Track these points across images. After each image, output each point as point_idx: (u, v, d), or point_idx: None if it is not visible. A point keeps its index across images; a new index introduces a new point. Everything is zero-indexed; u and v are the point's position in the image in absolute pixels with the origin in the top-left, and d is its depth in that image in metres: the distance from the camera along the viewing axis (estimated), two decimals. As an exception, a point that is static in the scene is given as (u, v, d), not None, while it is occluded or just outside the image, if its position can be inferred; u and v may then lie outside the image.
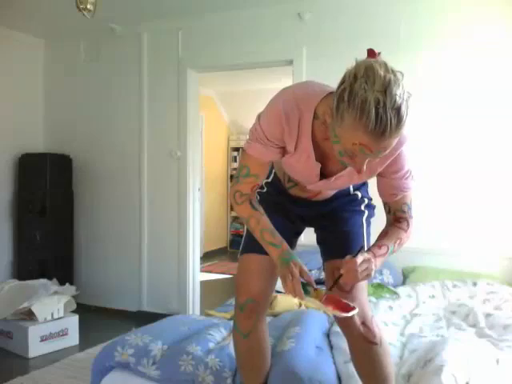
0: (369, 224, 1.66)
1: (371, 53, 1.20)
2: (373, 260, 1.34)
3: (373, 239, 1.57)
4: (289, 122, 1.33)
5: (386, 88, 1.09)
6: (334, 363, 1.94)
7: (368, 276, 1.33)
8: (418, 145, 3.45)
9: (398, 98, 1.10)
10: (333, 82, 1.68)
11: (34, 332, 3.27)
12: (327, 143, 1.33)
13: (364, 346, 1.46)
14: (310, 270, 3.20)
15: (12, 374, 2.89)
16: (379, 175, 1.45)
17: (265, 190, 1.70)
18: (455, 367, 1.73)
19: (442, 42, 3.39)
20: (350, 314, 1.30)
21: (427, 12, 3.42)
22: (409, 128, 1.24)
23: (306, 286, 1.34)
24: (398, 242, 1.45)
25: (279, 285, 2.39)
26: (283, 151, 1.41)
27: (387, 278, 3.22)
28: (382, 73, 1.11)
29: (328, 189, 1.54)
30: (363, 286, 1.51)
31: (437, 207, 3.42)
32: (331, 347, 2.11)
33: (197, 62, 4.13)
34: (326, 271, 1.60)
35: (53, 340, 3.37)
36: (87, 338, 3.53)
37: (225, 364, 1.88)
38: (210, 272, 6.12)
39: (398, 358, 2.00)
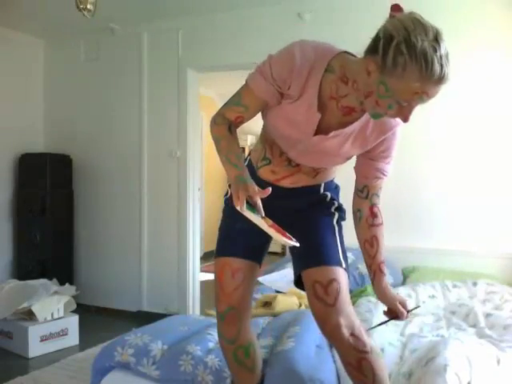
0: (340, 227, 1.61)
1: (397, 7, 1.25)
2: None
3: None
4: (301, 65, 1.34)
5: (437, 37, 1.16)
6: (334, 362, 1.93)
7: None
8: (418, 145, 3.46)
9: (444, 45, 1.17)
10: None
11: (34, 332, 3.27)
12: (332, 102, 1.37)
13: (356, 356, 1.42)
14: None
15: (12, 374, 2.89)
16: (367, 157, 1.49)
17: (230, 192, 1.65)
18: (458, 367, 1.73)
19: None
20: (290, 243, 1.29)
21: (427, 12, 3.41)
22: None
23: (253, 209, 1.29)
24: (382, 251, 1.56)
25: (279, 285, 2.39)
26: (280, 99, 1.40)
27: (387, 277, 3.21)
28: (427, 23, 1.18)
29: (313, 155, 1.49)
30: (347, 298, 1.47)
31: (437, 207, 3.42)
32: (331, 347, 2.10)
33: (197, 62, 4.13)
34: (306, 288, 1.50)
35: (53, 340, 3.37)
36: (87, 337, 3.52)
37: (224, 364, 1.88)
38: (210, 272, 6.12)
39: (398, 358, 2.00)
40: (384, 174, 1.53)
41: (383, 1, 3.53)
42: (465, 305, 2.69)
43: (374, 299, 2.78)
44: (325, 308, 1.42)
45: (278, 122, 1.46)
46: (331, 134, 1.41)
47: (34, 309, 3.28)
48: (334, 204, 1.61)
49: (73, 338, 3.50)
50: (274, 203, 1.36)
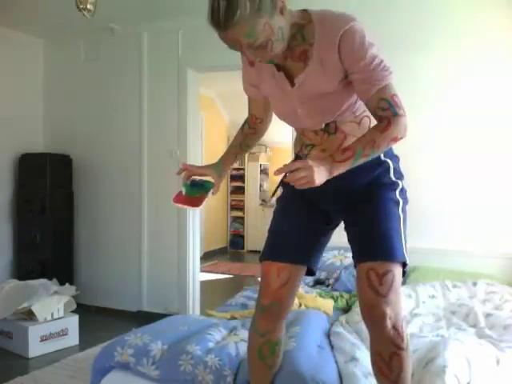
0: (405, 215, 1.55)
1: None
2: (315, 168, 1.29)
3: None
4: (244, 59, 1.57)
5: None
6: (336, 362, 1.93)
7: (309, 184, 1.30)
8: (418, 145, 3.46)
9: None
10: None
11: (34, 332, 3.27)
12: (288, 61, 1.47)
13: (391, 350, 1.42)
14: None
15: (12, 374, 2.89)
16: (350, 73, 1.41)
17: (280, 192, 1.67)
18: (457, 368, 1.73)
19: (441, 41, 3.39)
20: (195, 208, 1.58)
21: (427, 12, 3.42)
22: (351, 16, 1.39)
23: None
24: (370, 144, 1.36)
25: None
26: (258, 89, 1.62)
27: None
28: None
29: (314, 106, 1.49)
30: (399, 290, 1.46)
31: (437, 207, 3.42)
32: (332, 347, 2.10)
33: (197, 62, 4.13)
34: (360, 275, 1.47)
35: (53, 340, 3.37)
36: (87, 337, 3.53)
37: (224, 363, 1.88)
38: (210, 272, 6.13)
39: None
40: (373, 83, 1.38)
41: (382, 1, 3.55)
42: (465, 305, 2.69)
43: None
44: (376, 297, 1.42)
45: (274, 108, 1.65)
46: (299, 76, 1.46)
47: (34, 309, 3.28)
48: (398, 185, 1.57)
49: (73, 338, 3.50)
50: (328, 186, 1.38)
